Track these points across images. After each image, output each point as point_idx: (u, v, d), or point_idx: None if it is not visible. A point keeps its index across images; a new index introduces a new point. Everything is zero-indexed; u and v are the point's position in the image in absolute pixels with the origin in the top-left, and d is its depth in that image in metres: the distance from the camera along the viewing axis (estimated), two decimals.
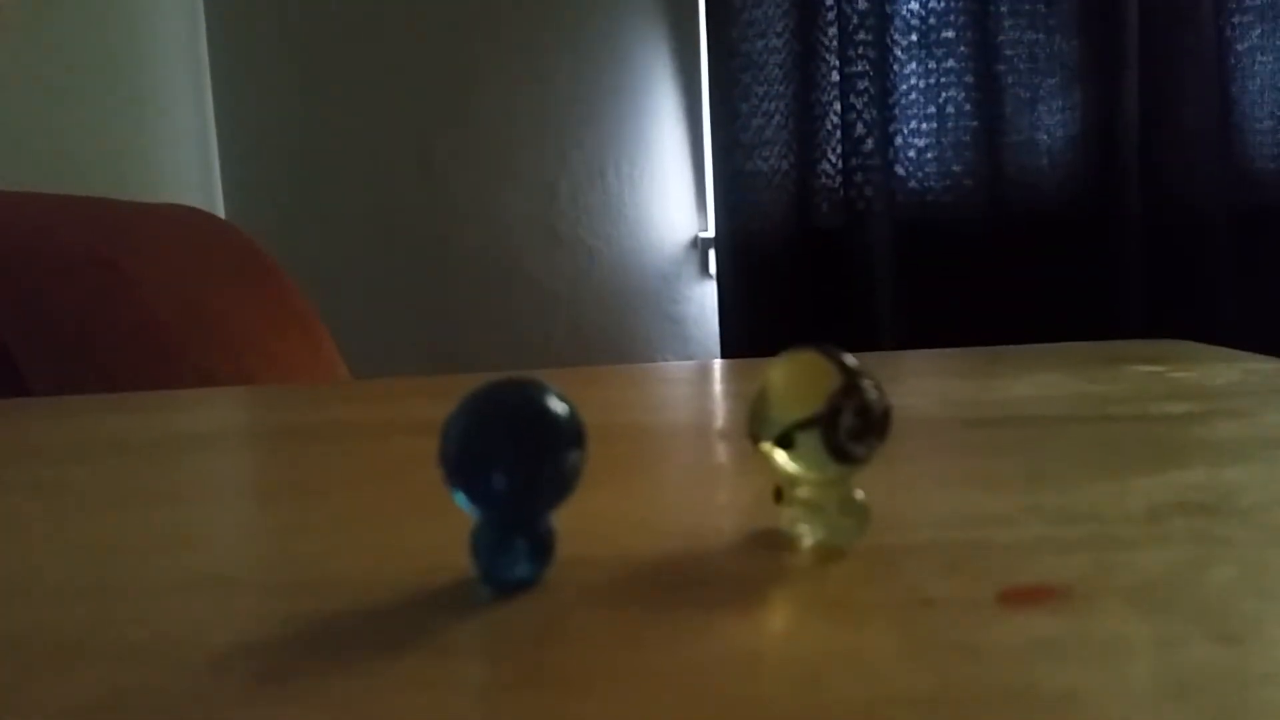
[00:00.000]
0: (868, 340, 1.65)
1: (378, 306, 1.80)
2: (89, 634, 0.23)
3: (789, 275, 1.66)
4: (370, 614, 0.23)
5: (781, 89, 1.63)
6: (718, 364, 0.64)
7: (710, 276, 1.79)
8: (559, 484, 0.23)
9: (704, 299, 1.80)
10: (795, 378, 0.26)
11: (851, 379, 0.25)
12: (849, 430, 0.25)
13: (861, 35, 1.60)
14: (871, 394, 0.25)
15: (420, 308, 1.80)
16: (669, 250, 1.79)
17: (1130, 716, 0.17)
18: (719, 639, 0.21)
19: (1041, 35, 1.62)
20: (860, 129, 1.62)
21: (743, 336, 1.67)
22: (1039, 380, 0.52)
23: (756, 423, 0.27)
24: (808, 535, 0.26)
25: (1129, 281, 1.61)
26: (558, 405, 0.24)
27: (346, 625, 0.22)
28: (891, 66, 1.63)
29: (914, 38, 1.63)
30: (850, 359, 0.25)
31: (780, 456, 0.26)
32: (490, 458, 0.23)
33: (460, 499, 0.23)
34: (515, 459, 0.23)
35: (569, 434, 0.23)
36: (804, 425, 0.25)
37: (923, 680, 0.19)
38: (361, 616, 0.23)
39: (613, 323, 1.80)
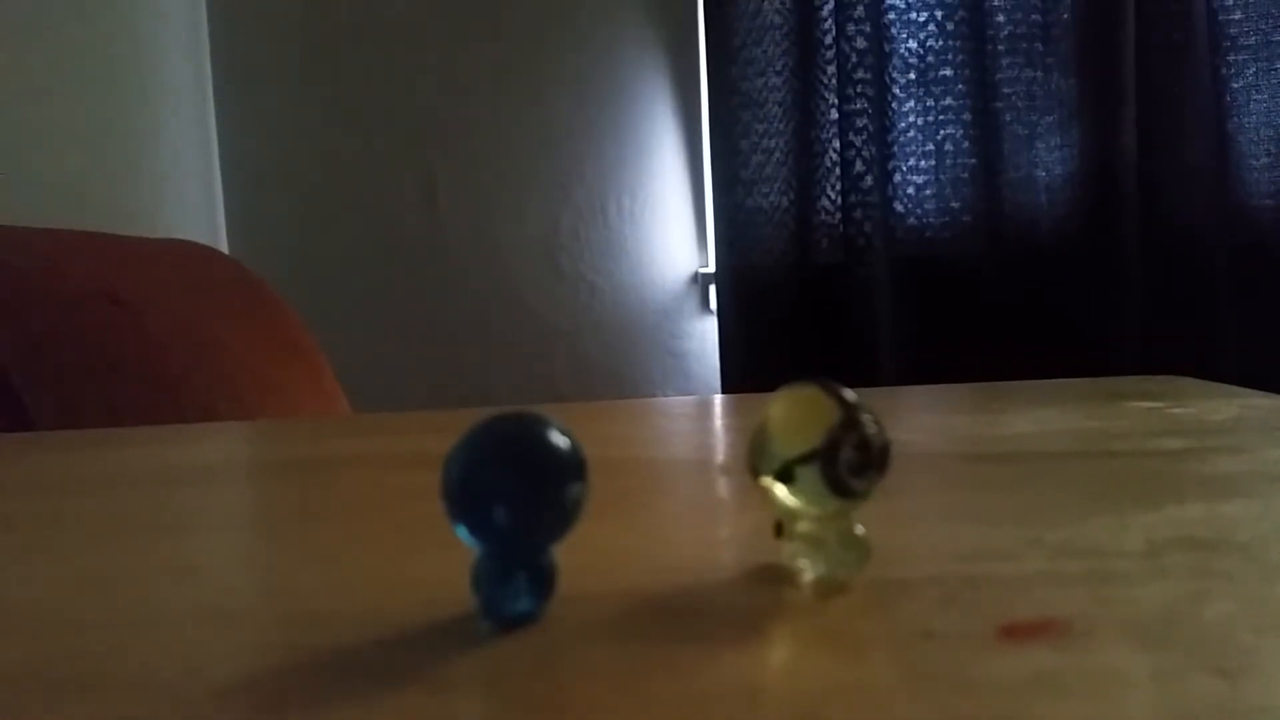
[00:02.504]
0: (867, 375, 1.65)
1: (379, 340, 1.81)
2: (90, 665, 0.23)
3: (789, 311, 1.67)
4: (370, 647, 0.23)
5: (781, 126, 1.65)
6: (718, 399, 0.64)
7: (711, 312, 1.79)
8: (560, 517, 0.24)
9: (704, 334, 1.80)
10: (795, 412, 0.26)
11: (851, 414, 0.25)
12: (848, 465, 0.25)
13: (860, 73, 1.62)
14: (871, 429, 0.25)
15: (421, 341, 1.81)
16: (670, 285, 1.80)
17: None
18: (720, 672, 0.21)
19: (1039, 73, 1.63)
20: (859, 166, 1.63)
21: (743, 372, 1.67)
22: (1038, 416, 0.52)
23: (756, 457, 0.27)
24: (808, 569, 0.26)
25: (1126, 318, 1.62)
26: (559, 439, 0.24)
27: (346, 658, 0.22)
28: (890, 104, 1.65)
29: (912, 76, 1.65)
30: (850, 394, 0.26)
31: (780, 491, 0.26)
32: (492, 491, 0.23)
33: (462, 532, 0.23)
34: (517, 492, 0.23)
35: (570, 467, 0.24)
36: (804, 460, 0.25)
37: (923, 712, 0.19)
38: (361, 649, 0.23)
39: (613, 357, 1.81)
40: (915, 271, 1.67)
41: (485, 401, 1.80)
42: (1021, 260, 1.65)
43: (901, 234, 1.66)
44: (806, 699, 0.19)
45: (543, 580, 0.24)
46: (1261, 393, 0.56)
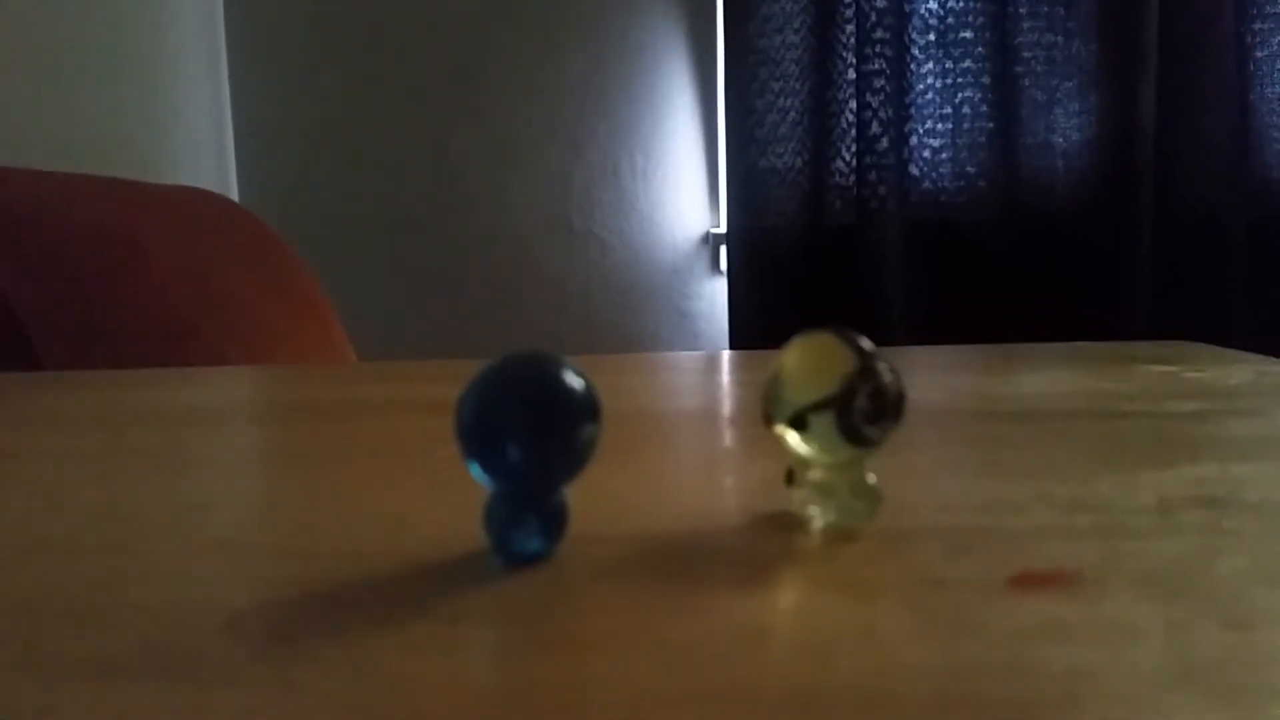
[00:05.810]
0: (878, 339, 1.64)
1: (388, 294, 1.81)
2: (103, 592, 0.23)
3: (800, 272, 1.66)
4: (382, 581, 0.23)
5: (797, 86, 1.63)
6: (726, 354, 0.64)
7: (721, 272, 1.79)
8: (573, 457, 0.24)
9: (714, 294, 1.80)
10: (810, 360, 0.26)
11: (867, 362, 0.25)
12: (863, 412, 0.25)
13: (879, 33, 1.60)
14: (886, 377, 0.25)
15: (431, 296, 1.81)
16: (681, 245, 1.79)
17: (1138, 694, 0.17)
18: (729, 612, 0.21)
19: (1060, 38, 1.61)
20: (875, 128, 1.61)
21: (752, 332, 1.67)
22: (1051, 377, 0.52)
23: (770, 404, 0.27)
24: (819, 517, 0.26)
25: (1140, 286, 1.61)
26: (573, 379, 0.24)
27: (358, 591, 0.23)
28: (908, 66, 1.63)
29: (931, 37, 1.63)
30: (866, 342, 0.26)
31: (793, 438, 0.26)
32: (505, 429, 0.23)
33: (475, 470, 0.23)
34: (530, 431, 0.23)
35: (584, 408, 0.24)
36: (818, 407, 0.25)
37: (932, 654, 0.19)
38: (373, 583, 0.23)
39: (623, 316, 1.80)
40: (929, 235, 1.66)
41: (492, 357, 1.80)
42: (1036, 226, 1.64)
43: (916, 197, 1.65)
44: (815, 638, 0.19)
45: (554, 520, 0.24)
46: (1276, 360, 0.56)
